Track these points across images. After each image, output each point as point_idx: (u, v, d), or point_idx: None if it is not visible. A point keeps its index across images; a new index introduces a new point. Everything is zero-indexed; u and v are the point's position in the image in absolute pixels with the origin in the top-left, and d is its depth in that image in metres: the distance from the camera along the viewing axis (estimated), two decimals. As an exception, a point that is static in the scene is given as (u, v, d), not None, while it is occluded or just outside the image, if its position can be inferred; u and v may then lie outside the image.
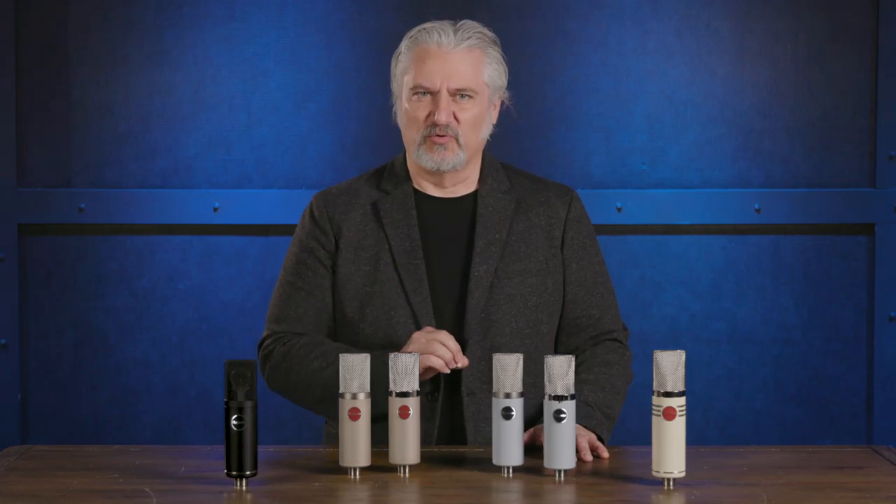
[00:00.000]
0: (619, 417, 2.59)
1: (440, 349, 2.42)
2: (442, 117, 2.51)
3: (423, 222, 2.60)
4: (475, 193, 2.64)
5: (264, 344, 2.62)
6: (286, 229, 3.63)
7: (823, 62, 3.65)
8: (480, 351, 2.53)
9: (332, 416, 2.53)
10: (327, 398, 2.50)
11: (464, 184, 2.64)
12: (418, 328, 2.52)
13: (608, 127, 3.67)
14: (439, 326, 2.52)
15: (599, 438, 2.46)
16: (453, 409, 2.55)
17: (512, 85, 2.59)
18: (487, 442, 2.52)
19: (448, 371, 2.44)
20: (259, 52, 3.65)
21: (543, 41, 3.65)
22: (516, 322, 2.55)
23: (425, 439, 2.51)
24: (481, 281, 2.55)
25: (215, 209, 3.65)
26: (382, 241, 2.59)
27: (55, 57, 3.65)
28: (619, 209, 3.64)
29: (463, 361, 2.45)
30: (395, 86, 2.61)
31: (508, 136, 3.61)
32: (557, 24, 3.65)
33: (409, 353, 2.27)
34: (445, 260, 2.58)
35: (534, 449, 2.36)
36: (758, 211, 3.65)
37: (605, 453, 2.38)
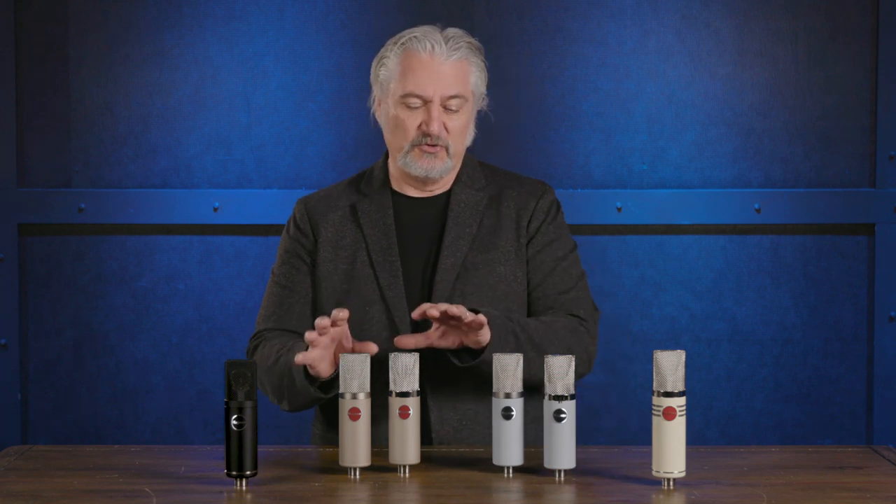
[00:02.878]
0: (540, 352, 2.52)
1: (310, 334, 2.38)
2: (434, 128, 2.55)
3: (399, 221, 2.65)
4: (449, 191, 2.67)
5: (250, 344, 2.69)
6: (286, 229, 3.63)
7: (823, 62, 3.65)
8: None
9: (288, 409, 2.57)
10: (279, 391, 2.54)
11: (442, 184, 2.68)
12: (392, 322, 2.56)
13: (608, 127, 3.67)
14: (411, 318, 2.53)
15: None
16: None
17: (512, 84, 2.60)
18: (454, 430, 2.54)
19: (323, 332, 2.37)
20: (259, 52, 3.65)
21: (543, 41, 3.65)
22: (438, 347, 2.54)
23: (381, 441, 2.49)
24: (447, 273, 2.58)
25: (215, 209, 3.65)
26: (360, 240, 2.63)
27: (55, 57, 3.65)
28: (619, 209, 3.65)
29: (332, 317, 2.38)
30: (376, 89, 2.63)
31: (509, 136, 3.62)
32: (557, 23, 3.65)
33: (409, 353, 2.28)
34: (418, 256, 2.62)
35: (533, 449, 2.35)
36: (758, 211, 3.65)
37: (464, 314, 2.35)
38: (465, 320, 2.36)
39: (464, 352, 2.47)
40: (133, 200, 3.65)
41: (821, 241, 3.68)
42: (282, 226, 3.62)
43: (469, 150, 2.68)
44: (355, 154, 3.66)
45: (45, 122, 3.66)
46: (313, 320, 2.62)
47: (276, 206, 3.64)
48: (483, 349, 2.43)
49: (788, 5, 3.64)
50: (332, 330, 2.38)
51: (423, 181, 2.63)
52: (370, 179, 2.70)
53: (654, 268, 3.69)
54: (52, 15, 3.64)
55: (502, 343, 2.44)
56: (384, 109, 2.63)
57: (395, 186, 2.67)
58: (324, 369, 2.42)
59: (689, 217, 3.66)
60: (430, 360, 2.53)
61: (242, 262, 3.69)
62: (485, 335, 2.41)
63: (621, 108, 3.66)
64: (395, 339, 2.46)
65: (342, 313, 2.37)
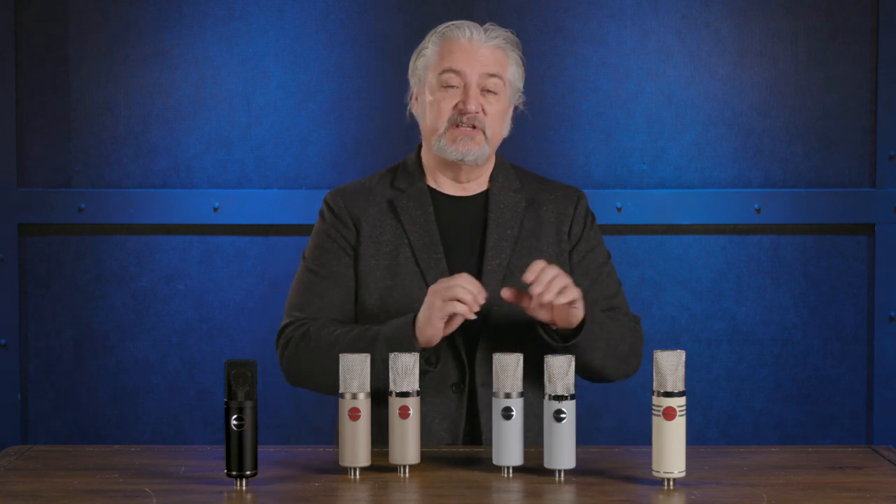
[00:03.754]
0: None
1: (461, 292, 2.39)
2: (472, 105, 2.54)
3: (440, 219, 2.63)
4: (486, 192, 2.67)
5: (285, 331, 2.59)
6: (286, 229, 3.63)
7: (823, 62, 3.65)
8: (494, 343, 2.54)
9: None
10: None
11: (476, 182, 2.67)
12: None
13: (608, 127, 3.67)
14: None
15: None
16: (468, 400, 2.56)
17: (515, 85, 2.61)
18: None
19: (473, 315, 2.40)
20: (259, 52, 3.65)
21: (543, 41, 3.65)
22: (529, 315, 2.55)
23: (452, 431, 2.54)
24: (494, 275, 2.57)
25: (215, 209, 3.65)
26: (401, 235, 2.61)
27: (55, 57, 3.65)
28: (619, 209, 3.65)
29: (483, 296, 2.41)
30: (414, 82, 2.63)
31: (509, 136, 3.61)
32: (557, 23, 3.65)
33: (416, 350, 2.28)
34: (459, 256, 2.61)
35: (533, 449, 2.35)
36: (758, 211, 3.65)
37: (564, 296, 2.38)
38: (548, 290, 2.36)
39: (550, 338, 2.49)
40: (133, 200, 3.65)
41: (821, 241, 3.68)
42: (282, 226, 3.65)
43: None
44: (355, 154, 3.66)
45: (45, 122, 3.66)
46: (352, 309, 2.60)
47: (276, 206, 3.64)
48: (577, 329, 2.45)
49: (788, 5, 3.64)
50: None
51: (457, 169, 2.62)
52: (405, 174, 2.67)
53: (654, 268, 3.69)
54: (52, 15, 3.64)
55: (593, 328, 2.46)
56: (421, 101, 2.62)
57: (430, 182, 2.66)
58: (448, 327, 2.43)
59: (689, 217, 3.66)
60: (482, 361, 2.54)
61: (242, 262, 3.69)
62: (577, 313, 2.42)
63: (621, 108, 3.66)
64: (502, 290, 2.43)
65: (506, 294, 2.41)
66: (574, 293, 2.38)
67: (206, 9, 3.65)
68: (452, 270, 2.58)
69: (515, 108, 2.68)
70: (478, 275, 2.57)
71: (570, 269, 2.64)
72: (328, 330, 2.54)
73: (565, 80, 3.66)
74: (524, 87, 2.69)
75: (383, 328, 2.48)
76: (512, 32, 2.63)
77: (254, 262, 3.69)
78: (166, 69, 3.66)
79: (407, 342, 2.42)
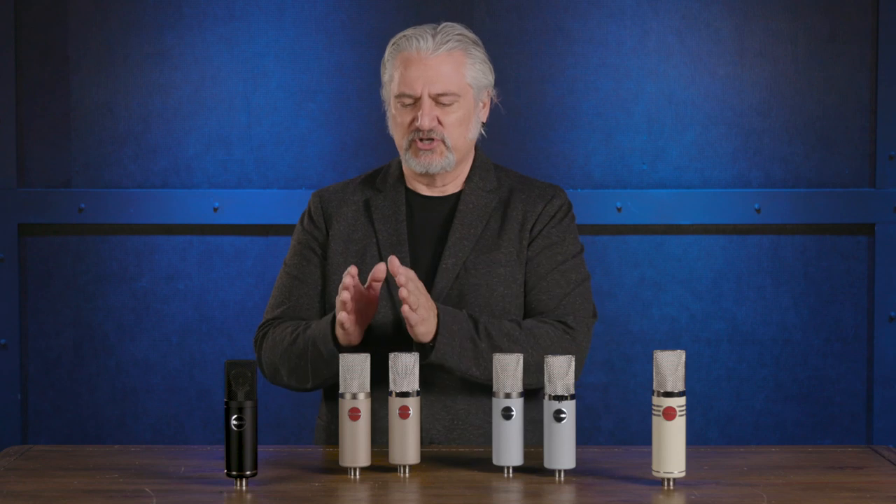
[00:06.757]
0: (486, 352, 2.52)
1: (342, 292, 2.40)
2: (425, 122, 2.56)
3: (412, 219, 2.66)
4: (460, 192, 2.67)
5: (258, 332, 2.67)
6: (286, 229, 3.63)
7: (823, 62, 3.65)
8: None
9: (310, 388, 2.57)
10: (300, 370, 2.53)
11: (454, 183, 2.68)
12: (398, 318, 2.54)
13: (608, 127, 3.67)
14: None
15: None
16: None
17: (512, 84, 2.59)
18: (446, 430, 2.54)
19: (385, 274, 2.39)
20: (259, 52, 3.65)
21: (543, 41, 3.65)
22: (480, 312, 2.55)
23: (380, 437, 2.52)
24: (447, 272, 2.58)
25: (215, 209, 3.65)
26: (370, 235, 2.64)
27: (55, 57, 3.65)
28: (619, 209, 3.65)
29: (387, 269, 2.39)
30: (384, 93, 2.65)
31: (509, 137, 3.62)
32: (557, 23, 3.65)
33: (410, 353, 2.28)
34: (424, 254, 2.62)
35: (533, 449, 2.35)
36: (758, 211, 3.65)
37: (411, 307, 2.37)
38: (400, 295, 2.36)
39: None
40: (133, 200, 3.66)
41: (821, 241, 3.69)
42: (282, 226, 3.65)
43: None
44: (355, 154, 3.66)
45: (45, 122, 3.66)
46: (323, 312, 2.63)
47: (276, 206, 3.64)
48: (429, 347, 2.45)
49: (788, 5, 3.64)
50: (353, 291, 2.39)
51: (430, 177, 2.64)
52: (385, 176, 2.71)
53: (654, 268, 3.69)
54: (52, 15, 3.64)
55: (455, 347, 2.44)
56: (389, 111, 2.65)
57: (408, 184, 2.69)
58: (354, 334, 2.44)
59: (689, 217, 3.66)
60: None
61: (242, 262, 3.69)
62: (422, 332, 2.41)
63: (621, 108, 3.66)
64: (390, 258, 2.39)
65: (380, 273, 2.39)
66: (413, 317, 2.38)
67: (206, 9, 3.65)
68: (418, 269, 2.58)
69: (491, 102, 2.67)
70: (433, 272, 2.59)
71: (525, 265, 2.63)
72: (281, 330, 2.59)
73: (565, 80, 3.66)
74: (515, 81, 2.68)
75: (311, 328, 2.53)
76: (467, 29, 2.61)
77: (254, 262, 3.69)
78: (166, 69, 3.66)
79: (324, 340, 2.46)
